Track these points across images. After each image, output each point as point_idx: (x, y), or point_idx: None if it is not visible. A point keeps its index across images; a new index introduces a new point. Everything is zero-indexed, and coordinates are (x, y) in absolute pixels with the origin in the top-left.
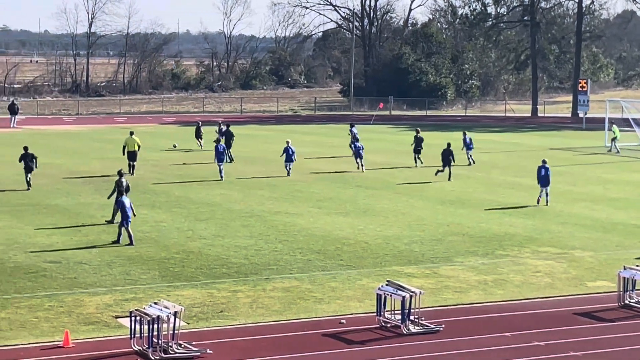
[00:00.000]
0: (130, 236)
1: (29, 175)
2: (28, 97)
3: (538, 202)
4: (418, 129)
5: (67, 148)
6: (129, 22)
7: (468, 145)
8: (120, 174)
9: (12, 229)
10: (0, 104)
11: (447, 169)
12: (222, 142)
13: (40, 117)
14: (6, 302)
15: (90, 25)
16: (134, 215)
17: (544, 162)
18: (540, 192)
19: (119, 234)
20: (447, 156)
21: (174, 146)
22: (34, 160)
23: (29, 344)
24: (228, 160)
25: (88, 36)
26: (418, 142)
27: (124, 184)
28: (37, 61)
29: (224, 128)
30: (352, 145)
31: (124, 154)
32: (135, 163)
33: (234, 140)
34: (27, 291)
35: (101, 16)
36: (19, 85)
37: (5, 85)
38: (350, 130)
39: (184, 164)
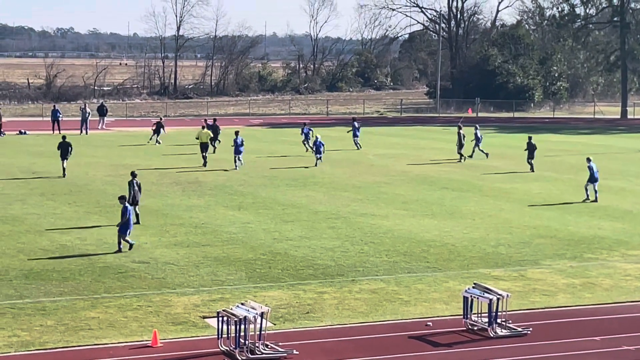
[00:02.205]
0: (120, 243)
1: (65, 162)
2: (117, 99)
3: (588, 198)
4: (460, 124)
5: (155, 149)
6: (217, 24)
7: (479, 139)
8: (133, 175)
9: (101, 229)
10: (90, 106)
11: (530, 161)
12: (240, 136)
13: (129, 119)
14: (96, 302)
15: (178, 28)
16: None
17: (589, 159)
18: (589, 189)
19: (119, 242)
20: (532, 151)
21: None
22: (69, 149)
23: (118, 343)
24: (213, 151)
25: (176, 39)
26: (461, 137)
27: (136, 184)
28: (126, 64)
29: (210, 122)
30: (314, 147)
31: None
32: (206, 154)
33: (219, 133)
34: (116, 291)
35: (189, 19)
36: (109, 88)
37: (95, 87)
38: (353, 124)
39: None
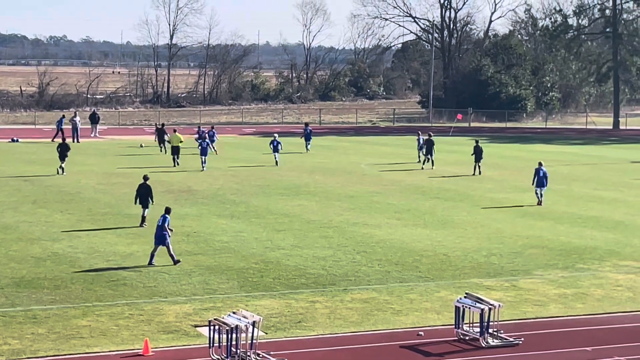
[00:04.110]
0: (171, 257)
1: (63, 163)
2: (110, 107)
3: (539, 203)
4: (430, 132)
5: (148, 158)
6: (210, 33)
7: (421, 147)
8: (145, 178)
9: (93, 238)
10: (83, 114)
11: (477, 164)
12: (207, 139)
13: (122, 127)
14: (87, 310)
15: (171, 37)
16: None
17: (541, 164)
18: (537, 193)
19: (172, 255)
20: (479, 154)
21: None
22: (67, 151)
23: (110, 351)
24: (160, 150)
25: (169, 47)
26: (429, 144)
27: (143, 188)
28: (119, 72)
29: (162, 127)
30: (272, 146)
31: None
32: (178, 156)
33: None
34: (107, 299)
35: (182, 28)
36: (102, 96)
37: (88, 95)
38: (305, 129)
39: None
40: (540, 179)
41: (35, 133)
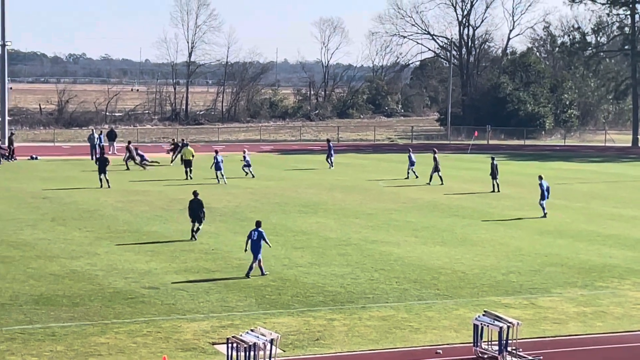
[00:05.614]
0: (260, 269)
1: (103, 175)
2: (128, 125)
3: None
4: (435, 149)
5: (166, 175)
6: (228, 51)
7: (412, 162)
8: (195, 194)
9: (112, 255)
10: (102, 131)
11: (495, 181)
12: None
13: (141, 144)
14: (105, 327)
15: (190, 55)
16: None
17: (541, 177)
18: (545, 205)
19: (261, 267)
20: (494, 170)
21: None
22: (106, 163)
23: None
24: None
25: (188, 65)
26: (436, 162)
27: (194, 203)
28: (137, 90)
29: (181, 143)
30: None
31: (181, 162)
32: (190, 169)
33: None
34: (126, 317)
35: (201, 45)
36: (120, 114)
37: (107, 113)
38: (328, 145)
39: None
40: (543, 192)
41: (54, 151)
